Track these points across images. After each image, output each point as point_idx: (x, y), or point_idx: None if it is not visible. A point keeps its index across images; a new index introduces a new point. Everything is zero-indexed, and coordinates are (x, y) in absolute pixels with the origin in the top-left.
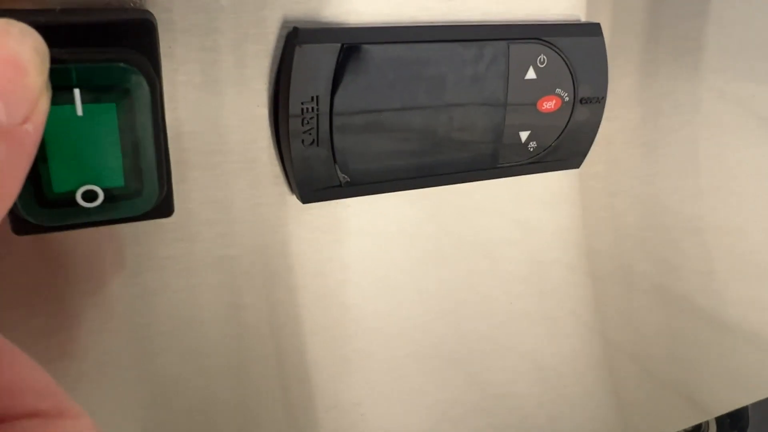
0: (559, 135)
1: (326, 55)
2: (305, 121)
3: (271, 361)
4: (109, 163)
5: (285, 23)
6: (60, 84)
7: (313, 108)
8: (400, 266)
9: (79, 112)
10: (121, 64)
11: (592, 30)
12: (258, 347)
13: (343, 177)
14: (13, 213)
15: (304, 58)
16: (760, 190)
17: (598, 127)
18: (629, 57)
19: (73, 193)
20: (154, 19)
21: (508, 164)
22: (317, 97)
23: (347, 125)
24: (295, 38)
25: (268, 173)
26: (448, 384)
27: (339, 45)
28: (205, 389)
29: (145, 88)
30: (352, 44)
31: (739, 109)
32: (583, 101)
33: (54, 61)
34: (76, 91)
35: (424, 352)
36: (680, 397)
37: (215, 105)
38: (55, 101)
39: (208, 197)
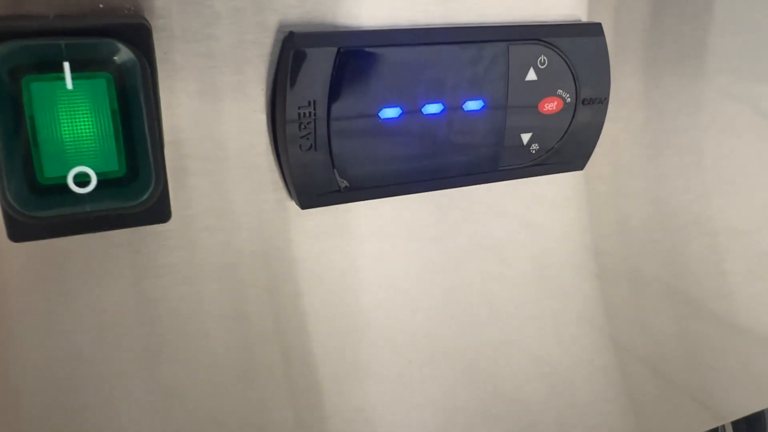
0: (562, 137)
1: (323, 60)
2: (302, 126)
3: (277, 368)
4: (101, 143)
5: (281, 28)
6: (50, 58)
7: (310, 113)
8: (404, 271)
9: (69, 85)
10: (111, 39)
11: (593, 30)
12: (263, 355)
13: (342, 182)
14: (8, 217)
15: (301, 63)
16: None
17: (601, 128)
18: (632, 57)
19: (65, 177)
20: (149, 23)
21: (510, 167)
22: (314, 101)
23: (345, 130)
24: (291, 43)
25: (268, 179)
26: (456, 390)
27: (336, 49)
28: (209, 399)
29: (136, 63)
30: (349, 48)
31: (744, 109)
32: (586, 102)
33: (44, 36)
34: (66, 64)
35: (431, 358)
36: (694, 401)
37: (212, 111)
38: (45, 77)
39: (207, 204)
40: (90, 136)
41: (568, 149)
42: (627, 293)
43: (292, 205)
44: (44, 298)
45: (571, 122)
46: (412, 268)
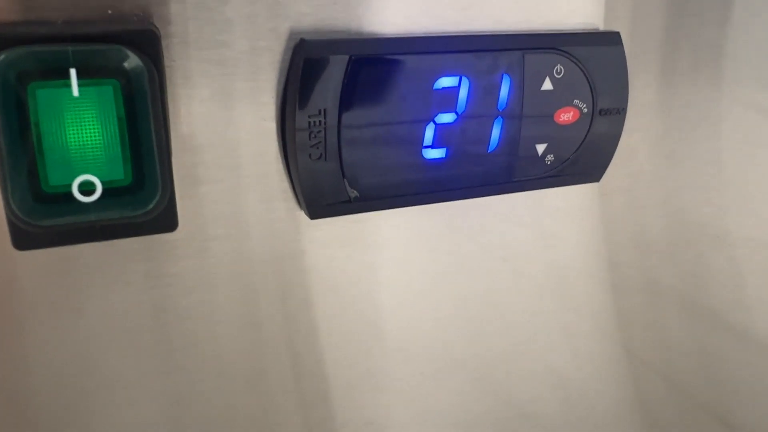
0: (578, 147)
1: (334, 67)
2: (312, 135)
3: (287, 377)
4: (107, 152)
5: (293, 35)
6: (56, 65)
7: (320, 121)
8: (416, 281)
9: (75, 92)
10: (119, 46)
11: (611, 39)
12: (272, 364)
13: (352, 192)
14: (12, 225)
15: (312, 70)
16: None
17: (618, 139)
18: (650, 67)
19: (70, 186)
20: (158, 30)
21: (524, 178)
22: (325, 110)
23: (356, 139)
24: (302, 50)
25: (278, 188)
26: (468, 401)
27: (347, 57)
28: (219, 408)
29: (144, 70)
30: (361, 56)
31: (765, 119)
32: (603, 112)
33: (51, 43)
34: (72, 71)
35: (443, 369)
36: (712, 417)
37: (223, 119)
38: (51, 83)
39: (217, 212)
40: (96, 144)
41: (584, 160)
42: (643, 305)
43: (303, 215)
44: (54, 305)
45: (587, 133)
46: (423, 278)
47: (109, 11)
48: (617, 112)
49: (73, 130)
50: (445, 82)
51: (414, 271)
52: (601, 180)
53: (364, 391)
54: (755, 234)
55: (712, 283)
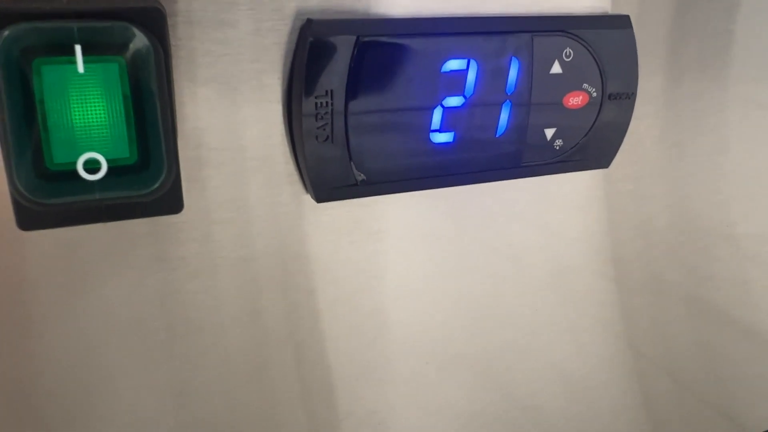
0: (587, 132)
1: (341, 48)
2: (319, 117)
3: (289, 366)
4: (112, 129)
5: (299, 14)
6: (61, 42)
7: (327, 103)
8: (420, 270)
9: (80, 69)
10: (125, 23)
11: (621, 22)
12: (275, 352)
13: (359, 175)
14: (17, 204)
15: (318, 51)
16: None
17: (628, 124)
18: (657, 55)
19: (75, 164)
20: (164, 8)
21: (532, 163)
22: (332, 91)
23: (363, 121)
24: (309, 30)
25: (283, 171)
26: (470, 394)
27: (354, 37)
28: (221, 395)
29: (150, 47)
30: (368, 37)
31: None
32: (612, 97)
33: (56, 19)
34: (78, 47)
35: (445, 360)
36: (716, 413)
37: (228, 100)
38: (56, 60)
39: (221, 196)
40: (101, 121)
41: (593, 146)
42: (646, 299)
43: (308, 199)
44: (60, 289)
45: (596, 117)
46: (427, 269)
47: None
48: (627, 97)
49: (78, 107)
50: (453, 65)
51: (418, 261)
52: (608, 167)
53: (366, 382)
54: (760, 227)
55: (717, 277)
